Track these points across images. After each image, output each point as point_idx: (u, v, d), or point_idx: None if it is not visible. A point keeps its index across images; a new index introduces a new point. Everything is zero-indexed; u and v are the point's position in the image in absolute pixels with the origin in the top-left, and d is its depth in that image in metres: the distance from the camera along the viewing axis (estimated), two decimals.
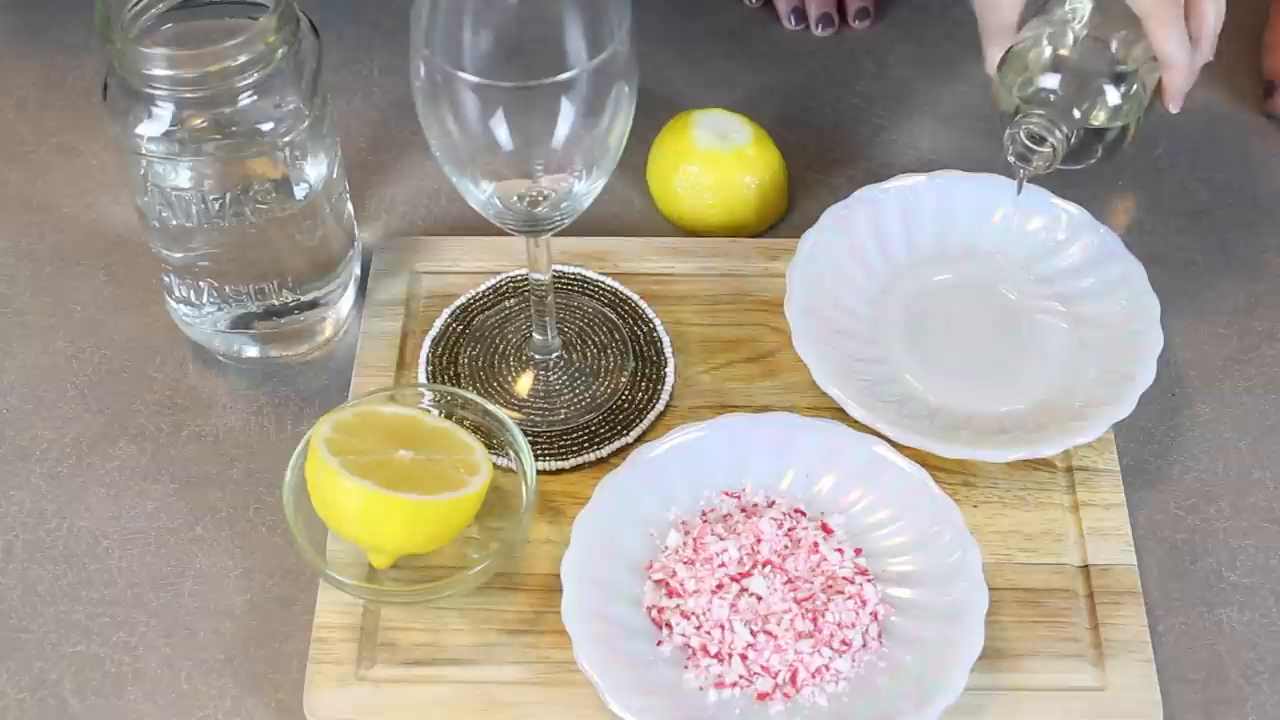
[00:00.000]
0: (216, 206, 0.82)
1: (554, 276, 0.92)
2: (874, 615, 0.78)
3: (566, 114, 0.71)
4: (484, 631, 0.79)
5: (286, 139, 0.82)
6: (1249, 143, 1.01)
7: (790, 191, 0.99)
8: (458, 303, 0.92)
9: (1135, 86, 0.82)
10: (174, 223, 0.83)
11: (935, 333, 0.88)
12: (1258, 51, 1.05)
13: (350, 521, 0.77)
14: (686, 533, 0.80)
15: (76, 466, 0.87)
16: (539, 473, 0.84)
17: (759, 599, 0.77)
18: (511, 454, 0.82)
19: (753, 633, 0.76)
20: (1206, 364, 0.91)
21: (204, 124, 0.80)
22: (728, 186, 0.94)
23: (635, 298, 0.92)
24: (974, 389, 0.86)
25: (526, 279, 0.92)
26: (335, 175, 0.87)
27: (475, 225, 0.98)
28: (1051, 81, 0.81)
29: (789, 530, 0.80)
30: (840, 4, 1.09)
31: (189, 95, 0.78)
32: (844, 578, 0.78)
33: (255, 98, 0.80)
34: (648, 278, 0.93)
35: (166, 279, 0.88)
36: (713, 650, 0.76)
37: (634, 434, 0.86)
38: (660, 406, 0.87)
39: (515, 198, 0.77)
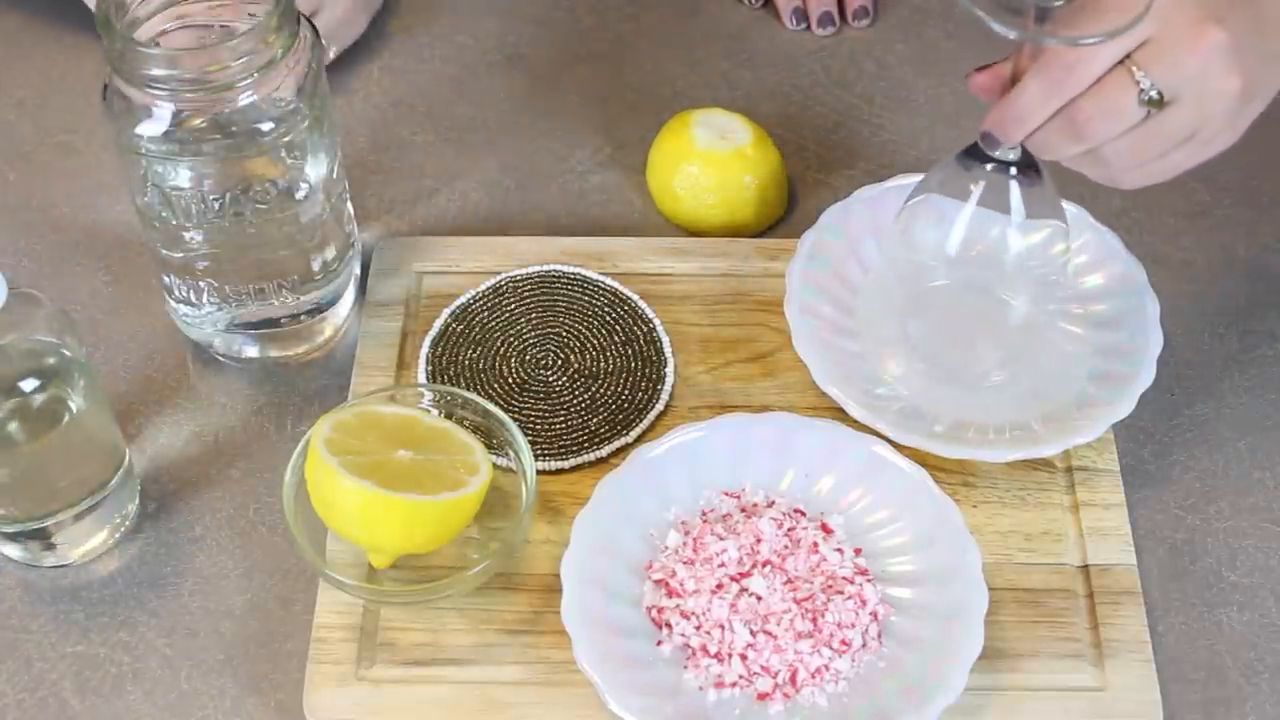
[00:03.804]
0: (216, 206, 0.82)
1: (554, 276, 0.93)
2: (874, 615, 0.78)
3: None
4: (484, 631, 0.79)
5: (286, 139, 0.82)
6: (1249, 143, 1.01)
7: (790, 191, 0.99)
8: (457, 303, 0.92)
9: None
10: (174, 223, 0.83)
11: (935, 332, 0.88)
12: None
13: (350, 521, 0.77)
14: (686, 533, 0.80)
15: None
16: (539, 473, 0.84)
17: (759, 599, 0.77)
18: (511, 454, 0.82)
19: (752, 633, 0.76)
20: (1206, 364, 0.91)
21: (204, 124, 0.80)
22: (727, 186, 0.94)
23: (635, 298, 0.92)
24: (973, 388, 0.86)
25: (526, 279, 0.92)
26: (335, 175, 0.87)
27: (475, 225, 0.98)
28: None
29: (789, 530, 0.80)
30: (840, 4, 1.09)
31: (189, 95, 0.78)
32: (844, 578, 0.78)
33: (255, 98, 0.80)
34: (647, 278, 0.93)
35: (166, 279, 0.88)
36: (712, 650, 0.76)
37: (634, 434, 0.86)
38: (660, 406, 0.87)
39: None
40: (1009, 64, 0.75)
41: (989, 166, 0.79)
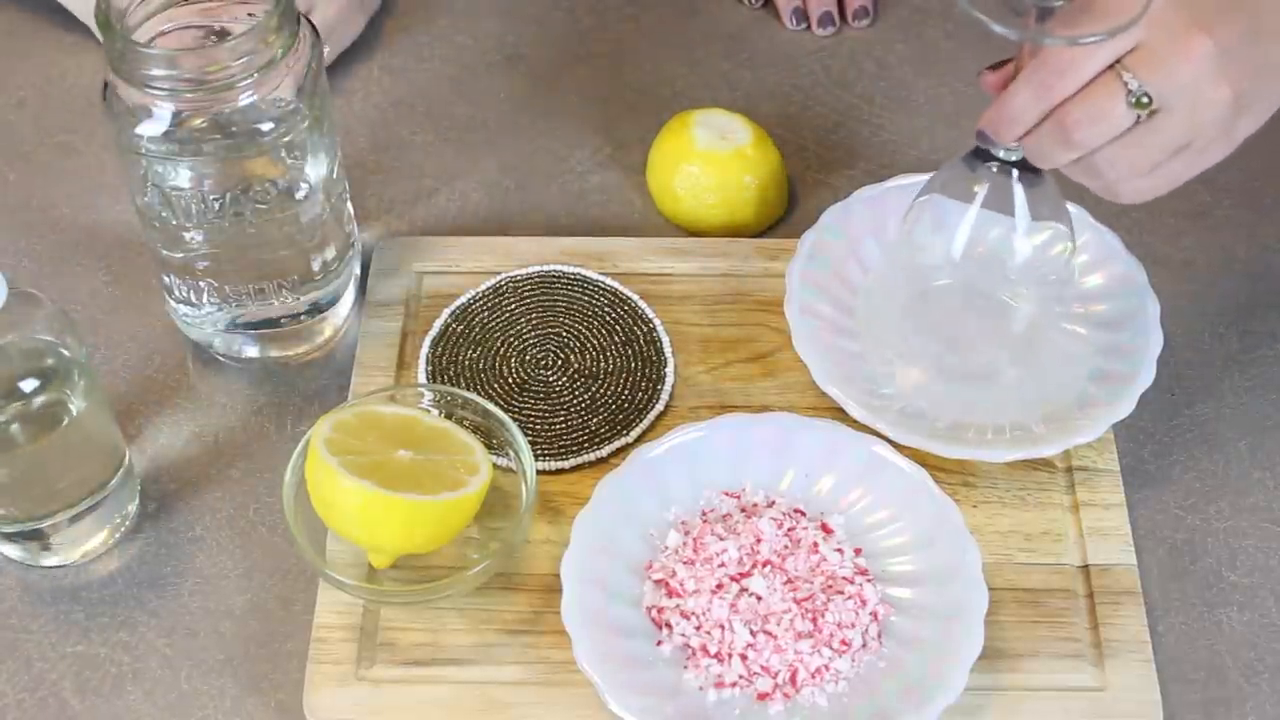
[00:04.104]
0: (216, 206, 0.82)
1: (554, 276, 0.93)
2: (874, 615, 0.78)
3: None
4: (484, 631, 0.79)
5: (286, 139, 0.82)
6: (1249, 144, 1.01)
7: (790, 191, 0.99)
8: (458, 303, 0.92)
9: None
10: (174, 223, 0.83)
11: (935, 332, 0.88)
12: None
13: (350, 521, 0.77)
14: (686, 533, 0.80)
15: None
16: (539, 473, 0.84)
17: (759, 599, 0.77)
18: (511, 454, 0.82)
19: (752, 633, 0.76)
20: (1206, 364, 0.91)
21: (204, 124, 0.80)
22: (728, 186, 0.94)
23: (635, 298, 0.92)
24: (973, 389, 0.86)
25: (526, 279, 0.92)
26: (335, 175, 0.87)
27: (475, 225, 0.98)
28: None
29: (789, 530, 0.80)
30: (840, 4, 1.09)
31: (189, 95, 0.78)
32: (844, 578, 0.78)
33: (255, 98, 0.80)
34: (648, 278, 0.93)
35: (166, 279, 0.88)
36: (712, 650, 0.76)
37: (634, 434, 0.86)
38: (660, 406, 0.87)
39: None
40: (1016, 65, 0.75)
41: (993, 168, 0.79)
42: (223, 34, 0.82)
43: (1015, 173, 0.79)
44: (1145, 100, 0.71)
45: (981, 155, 0.79)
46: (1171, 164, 0.74)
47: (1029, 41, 0.72)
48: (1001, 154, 0.78)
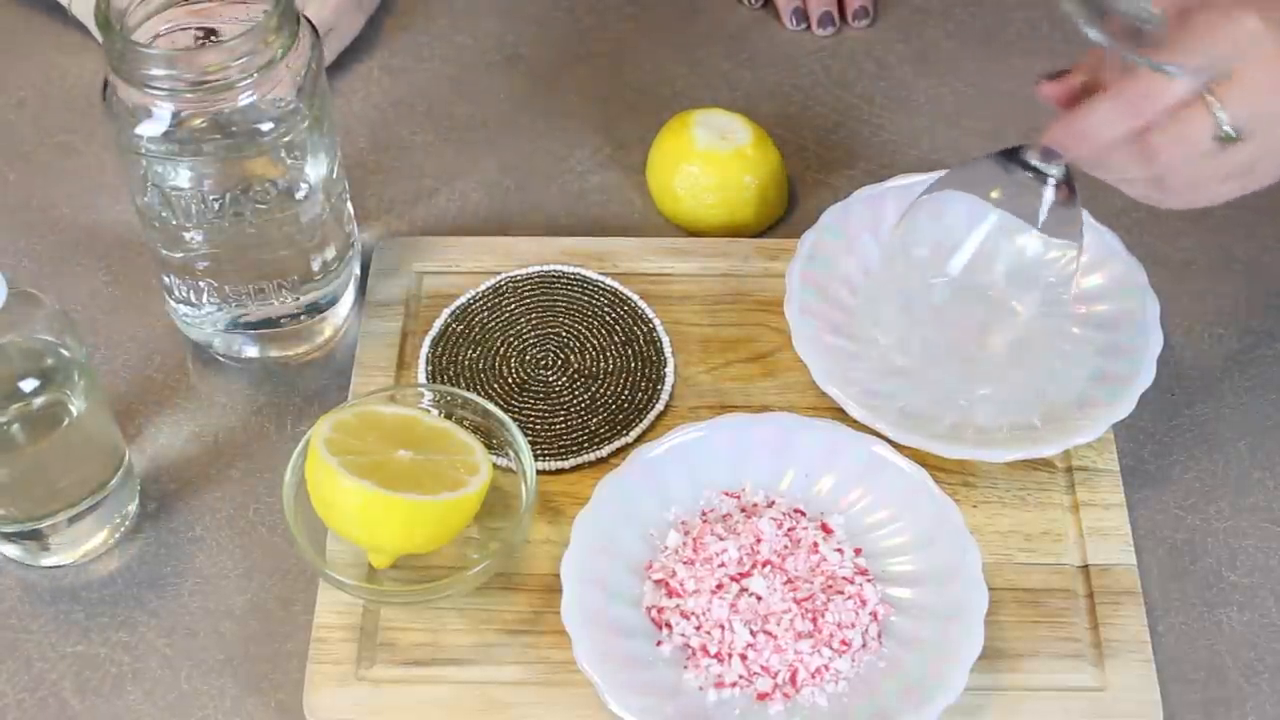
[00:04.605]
0: (216, 206, 0.82)
1: (554, 276, 0.93)
2: (874, 615, 0.78)
3: None
4: (484, 631, 0.79)
5: (286, 139, 0.82)
6: None
7: (790, 191, 0.99)
8: (457, 303, 0.92)
9: None
10: (174, 223, 0.83)
11: (936, 333, 0.88)
12: None
13: (350, 521, 0.77)
14: (686, 533, 0.80)
15: None
16: (539, 473, 0.84)
17: (759, 599, 0.77)
18: (511, 454, 0.82)
19: (752, 633, 0.76)
20: (1206, 364, 0.91)
21: (204, 124, 0.80)
22: (727, 186, 0.94)
23: (635, 298, 0.92)
24: (973, 389, 0.86)
25: (526, 279, 0.92)
26: (335, 175, 0.87)
27: (475, 225, 0.98)
28: None
29: (789, 530, 0.80)
30: (840, 4, 1.09)
31: (189, 95, 0.78)
32: (844, 578, 0.78)
33: (255, 98, 0.80)
34: (647, 278, 0.93)
35: (166, 279, 0.88)
36: (712, 650, 0.76)
37: (634, 434, 0.86)
38: (660, 406, 0.87)
39: None
40: (1078, 75, 0.75)
41: (1028, 175, 0.78)
42: (222, 34, 0.82)
43: (1051, 182, 0.78)
44: (1232, 134, 0.71)
45: (1017, 160, 0.78)
46: (1227, 183, 0.74)
47: (1115, 52, 0.72)
48: (1038, 164, 0.77)
